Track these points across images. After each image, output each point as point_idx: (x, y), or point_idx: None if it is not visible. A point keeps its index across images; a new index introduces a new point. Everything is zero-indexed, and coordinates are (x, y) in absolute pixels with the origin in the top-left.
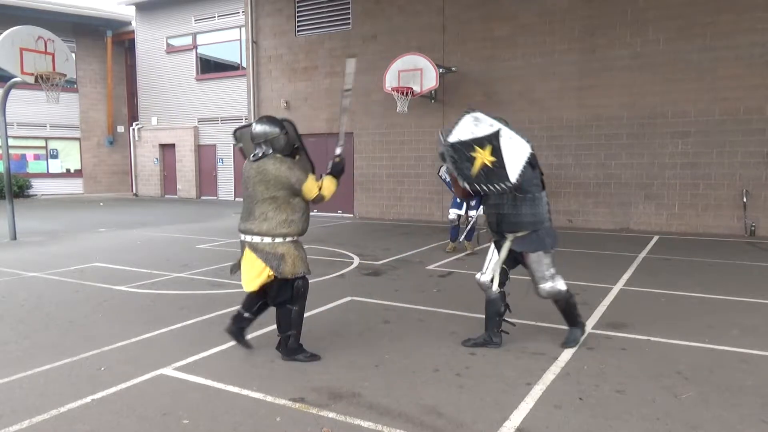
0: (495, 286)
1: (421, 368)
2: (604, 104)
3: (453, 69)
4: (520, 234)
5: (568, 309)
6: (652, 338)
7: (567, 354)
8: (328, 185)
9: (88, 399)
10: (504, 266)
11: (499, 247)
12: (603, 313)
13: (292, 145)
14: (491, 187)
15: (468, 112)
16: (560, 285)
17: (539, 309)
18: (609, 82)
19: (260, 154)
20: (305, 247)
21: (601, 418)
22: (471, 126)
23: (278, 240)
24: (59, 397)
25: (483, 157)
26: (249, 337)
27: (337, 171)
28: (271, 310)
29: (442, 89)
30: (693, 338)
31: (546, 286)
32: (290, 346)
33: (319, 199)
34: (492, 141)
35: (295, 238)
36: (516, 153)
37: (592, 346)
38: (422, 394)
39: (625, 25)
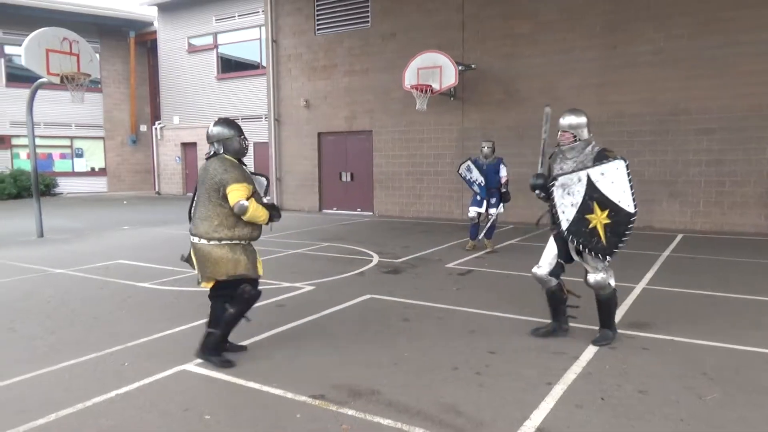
0: (553, 278)
1: (440, 366)
2: (626, 101)
3: (472, 66)
4: None
5: (607, 307)
6: (676, 338)
7: (589, 353)
8: (256, 208)
9: (113, 394)
10: (560, 260)
11: (558, 241)
12: (625, 313)
13: (245, 150)
14: (626, 237)
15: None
16: (610, 279)
17: None
18: (630, 79)
19: (212, 153)
20: (325, 245)
21: (623, 418)
22: (566, 198)
23: (213, 243)
24: (84, 391)
25: (598, 219)
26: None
27: (272, 207)
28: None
29: (462, 86)
30: (718, 338)
31: (597, 276)
32: (207, 343)
33: (239, 210)
34: (592, 195)
35: (239, 241)
36: (617, 182)
37: (614, 346)
38: (441, 393)
39: (647, 20)
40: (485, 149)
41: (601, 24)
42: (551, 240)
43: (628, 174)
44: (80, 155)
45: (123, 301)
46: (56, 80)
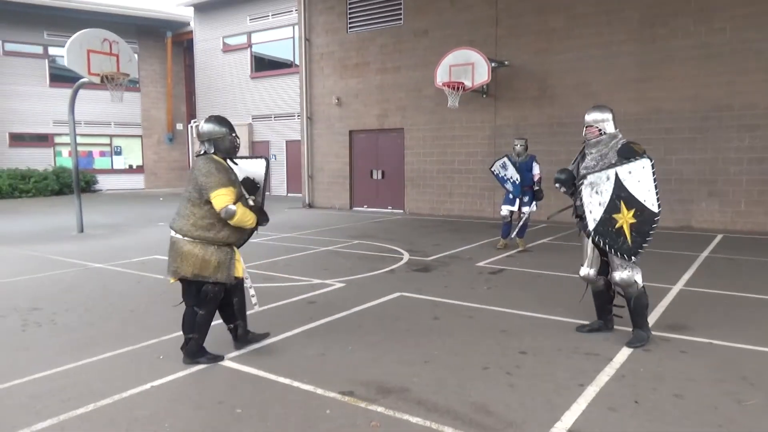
0: (595, 276)
1: (470, 365)
2: (665, 97)
3: (506, 63)
4: None
5: (637, 308)
6: (715, 341)
7: (622, 355)
8: (244, 213)
9: (148, 386)
10: (603, 258)
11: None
12: (662, 314)
13: (236, 148)
14: (650, 237)
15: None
16: (638, 276)
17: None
18: (670, 74)
19: (202, 152)
20: (356, 242)
21: (658, 422)
22: (594, 197)
23: (188, 239)
24: (122, 382)
25: (624, 219)
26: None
27: (258, 211)
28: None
29: (495, 84)
30: (759, 342)
31: (623, 274)
32: (190, 348)
33: (225, 215)
34: (620, 195)
35: (211, 242)
36: (643, 181)
37: (649, 348)
38: (471, 392)
39: (688, 13)
40: (518, 147)
41: (639, 17)
42: (587, 239)
43: (654, 173)
44: (119, 153)
45: (158, 295)
46: (97, 80)
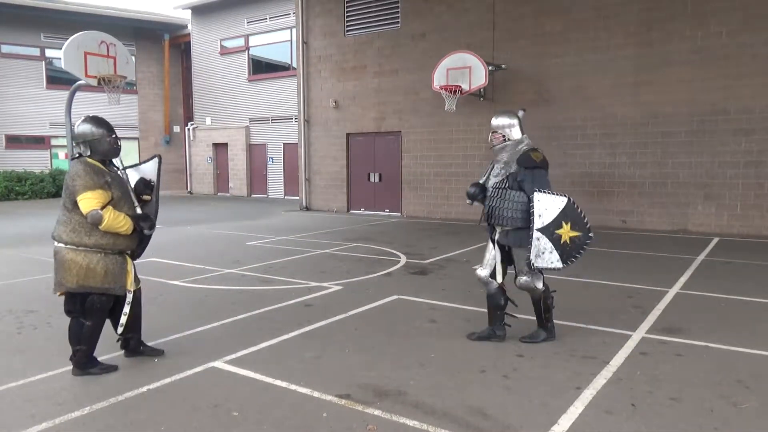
0: (498, 279)
1: (467, 369)
2: (662, 101)
3: (503, 66)
4: (506, 228)
5: (540, 309)
6: (711, 344)
7: (619, 358)
8: (114, 218)
9: (144, 389)
10: (503, 263)
11: (493, 241)
12: (658, 318)
13: (116, 150)
14: (577, 257)
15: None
16: (537, 282)
17: (590, 312)
18: (667, 78)
19: (76, 155)
20: (353, 245)
21: (654, 426)
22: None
23: (70, 246)
24: (117, 385)
25: (565, 232)
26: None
27: (138, 218)
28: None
29: (492, 87)
30: (755, 345)
31: (522, 279)
32: (79, 360)
33: (92, 219)
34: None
35: (100, 250)
36: (550, 209)
37: (645, 351)
38: (468, 395)
39: (685, 17)
40: None
41: (637, 22)
42: (491, 243)
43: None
44: None
45: (155, 298)
46: (94, 82)
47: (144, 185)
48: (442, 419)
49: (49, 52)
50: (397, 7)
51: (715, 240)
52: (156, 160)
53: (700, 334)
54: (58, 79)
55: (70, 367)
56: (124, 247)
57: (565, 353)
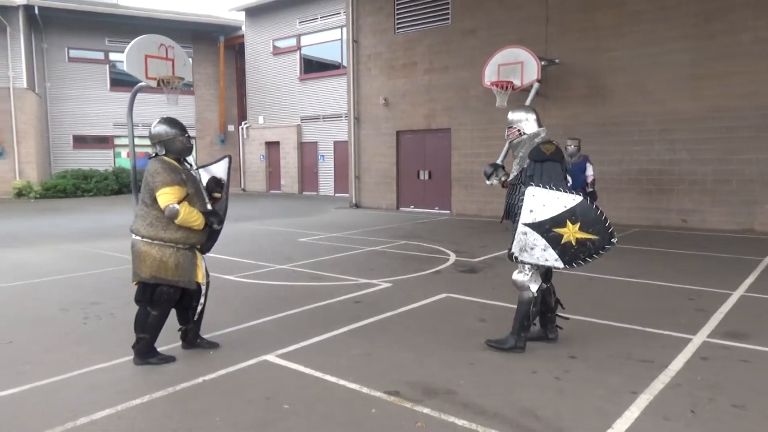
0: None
1: (518, 369)
2: (724, 94)
3: (556, 61)
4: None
5: (521, 312)
6: None
7: (678, 363)
8: (189, 212)
9: (200, 380)
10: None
11: None
12: (720, 321)
13: (188, 149)
14: (588, 260)
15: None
16: (533, 284)
17: (648, 314)
18: (729, 71)
19: (153, 154)
20: (402, 242)
21: None
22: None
23: (146, 240)
24: (175, 376)
25: (570, 233)
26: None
27: (208, 214)
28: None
29: (544, 82)
30: None
31: (519, 275)
32: (140, 348)
33: (169, 213)
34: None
35: (173, 245)
36: (548, 205)
37: (706, 356)
38: (519, 396)
39: (747, 7)
40: (570, 147)
41: (696, 12)
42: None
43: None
44: None
45: (210, 292)
46: (154, 84)
47: (215, 184)
48: (492, 420)
49: (112, 56)
50: (448, 3)
51: None
52: (226, 159)
53: (766, 340)
54: (120, 81)
55: (132, 356)
56: (195, 241)
57: (620, 356)
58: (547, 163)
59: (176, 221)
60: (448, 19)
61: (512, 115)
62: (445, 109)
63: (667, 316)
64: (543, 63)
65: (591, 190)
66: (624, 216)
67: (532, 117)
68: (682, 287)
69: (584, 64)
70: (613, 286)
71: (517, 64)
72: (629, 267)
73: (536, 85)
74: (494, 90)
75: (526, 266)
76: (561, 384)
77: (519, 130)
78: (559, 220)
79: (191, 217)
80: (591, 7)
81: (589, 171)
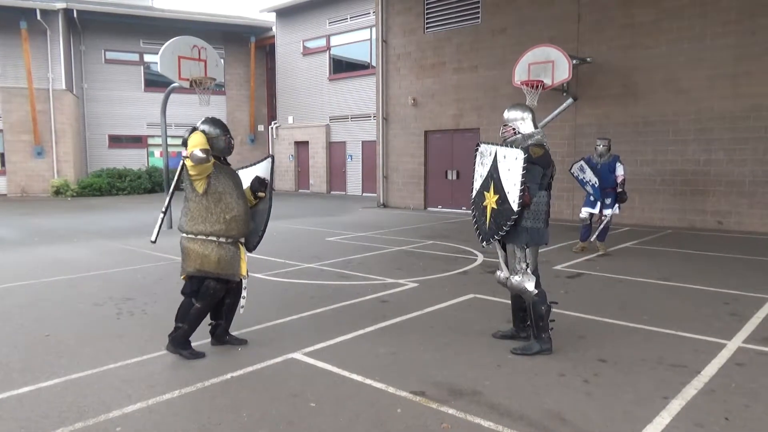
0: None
1: (545, 371)
2: (765, 93)
3: (588, 60)
4: None
5: (534, 316)
6: None
7: (712, 368)
8: (194, 144)
9: (228, 376)
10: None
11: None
12: (757, 326)
13: (230, 148)
14: (502, 232)
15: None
16: (528, 284)
17: (681, 317)
18: None
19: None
20: (429, 242)
21: None
22: (479, 168)
23: (190, 236)
24: (203, 371)
25: (489, 201)
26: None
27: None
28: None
29: (576, 81)
30: None
31: (513, 279)
32: (176, 337)
33: (192, 159)
34: (492, 175)
35: (215, 238)
36: (512, 170)
37: (742, 362)
38: (546, 398)
39: None
40: (600, 147)
41: (737, 8)
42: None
43: (524, 169)
44: None
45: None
46: (186, 84)
47: (259, 183)
48: (518, 422)
49: (147, 57)
50: (478, 2)
51: None
52: (269, 160)
53: None
54: (154, 82)
55: (163, 352)
56: (235, 233)
57: (652, 360)
58: (530, 165)
59: (189, 148)
60: (478, 18)
61: (508, 114)
62: (473, 109)
63: (700, 320)
64: (574, 62)
65: (620, 190)
66: (657, 217)
67: (528, 117)
68: (716, 291)
69: (618, 61)
70: (645, 289)
71: (547, 63)
72: (662, 269)
73: (570, 100)
74: (524, 89)
75: (517, 267)
76: (589, 387)
77: (514, 129)
78: (487, 185)
79: (196, 140)
80: (625, 3)
81: (619, 171)
